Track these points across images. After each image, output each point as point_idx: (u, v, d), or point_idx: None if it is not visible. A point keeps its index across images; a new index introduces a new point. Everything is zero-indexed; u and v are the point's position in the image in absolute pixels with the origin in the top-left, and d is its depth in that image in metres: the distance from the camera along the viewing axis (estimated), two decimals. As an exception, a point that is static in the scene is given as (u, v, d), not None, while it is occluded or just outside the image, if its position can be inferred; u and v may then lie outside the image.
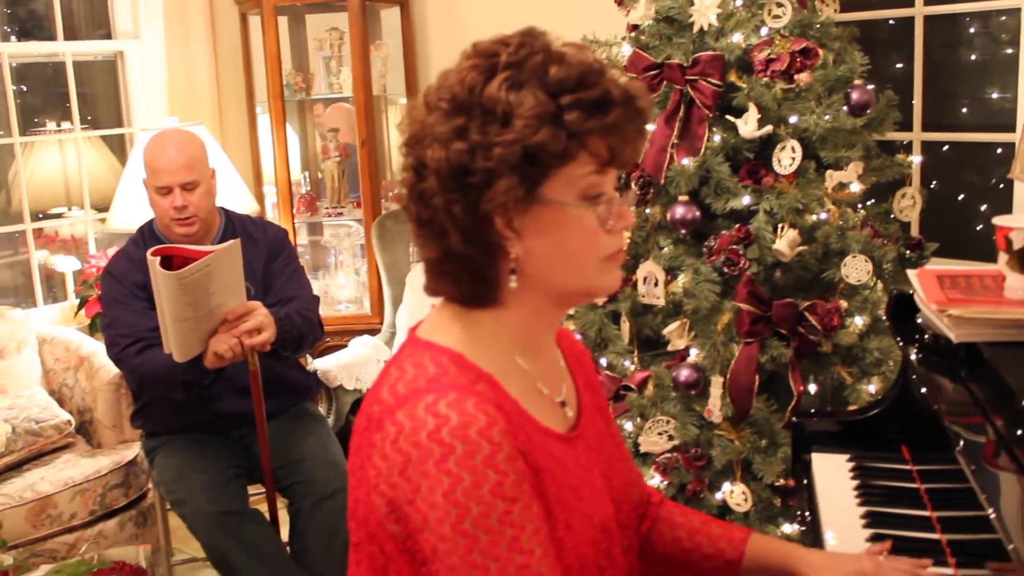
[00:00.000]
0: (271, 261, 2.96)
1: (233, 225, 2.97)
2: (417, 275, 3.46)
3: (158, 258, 2.36)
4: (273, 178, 4.15)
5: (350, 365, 3.48)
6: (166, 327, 2.46)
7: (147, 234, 2.92)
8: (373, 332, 3.78)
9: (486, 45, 1.19)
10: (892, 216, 2.74)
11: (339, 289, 4.21)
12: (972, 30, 3.28)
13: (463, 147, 1.15)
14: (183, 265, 2.37)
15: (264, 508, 2.88)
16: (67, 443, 3.39)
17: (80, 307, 3.87)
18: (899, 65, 3.31)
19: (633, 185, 2.57)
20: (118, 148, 4.49)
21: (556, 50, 1.18)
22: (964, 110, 3.34)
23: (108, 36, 4.34)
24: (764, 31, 2.49)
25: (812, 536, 1.73)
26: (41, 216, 4.30)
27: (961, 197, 3.35)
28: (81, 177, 4.24)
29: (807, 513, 1.83)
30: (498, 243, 1.19)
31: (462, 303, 1.25)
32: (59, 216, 4.42)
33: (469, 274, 1.21)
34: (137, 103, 4.28)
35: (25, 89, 4.30)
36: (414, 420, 1.12)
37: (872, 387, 2.45)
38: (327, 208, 4.23)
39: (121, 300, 2.77)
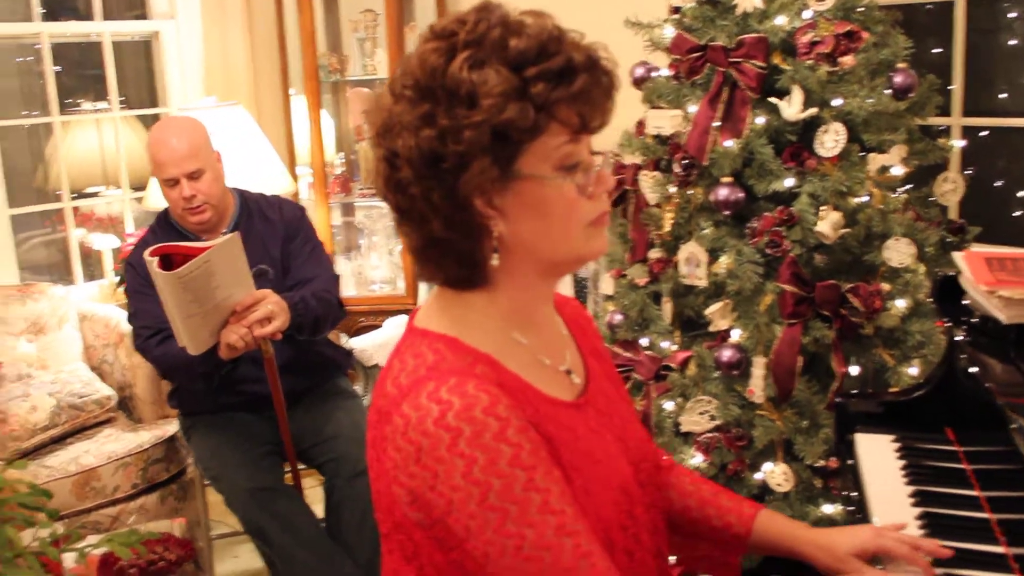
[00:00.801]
0: (288, 241, 2.97)
1: (248, 206, 2.98)
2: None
3: (156, 259, 2.37)
4: (308, 159, 4.18)
5: (385, 344, 3.51)
6: (175, 324, 2.49)
7: (163, 223, 2.95)
8: (407, 312, 3.80)
9: (443, 24, 1.19)
10: (931, 200, 2.74)
11: (372, 270, 4.24)
12: (1013, 15, 3.27)
13: (432, 134, 1.14)
14: (184, 261, 2.38)
15: (307, 484, 2.92)
16: (108, 418, 3.45)
17: (118, 284, 3.91)
18: (938, 50, 3.30)
19: (675, 166, 2.58)
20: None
21: (514, 21, 1.17)
22: (1004, 96, 3.34)
23: (142, 16, 4.37)
24: (808, 14, 2.50)
25: (860, 515, 1.74)
26: (76, 195, 4.34)
27: (1000, 183, 3.35)
28: (118, 156, 4.27)
29: (854, 492, 1.85)
30: (480, 224, 1.19)
31: (452, 287, 1.26)
32: (95, 195, 4.47)
33: (454, 258, 1.22)
34: (173, 83, 4.31)
35: (61, 69, 4.33)
36: (419, 410, 1.13)
37: (914, 370, 2.46)
38: (361, 189, 4.26)
39: (141, 291, 2.79)
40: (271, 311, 2.61)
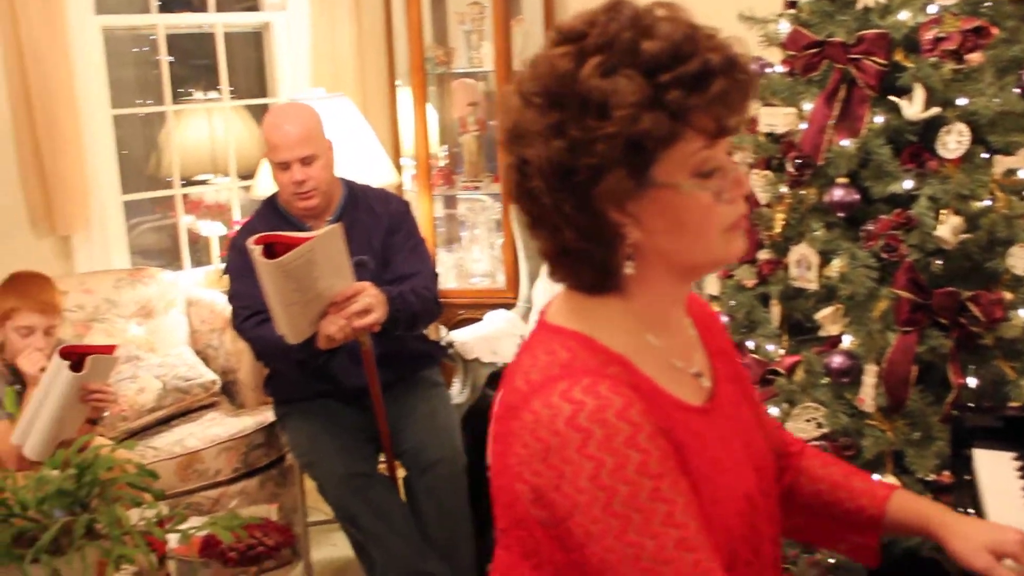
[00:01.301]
0: (391, 235, 2.98)
1: (355, 197, 3.00)
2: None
3: (259, 247, 2.39)
4: (412, 150, 4.20)
5: (487, 338, 3.51)
6: (275, 312, 2.51)
7: (270, 208, 3.00)
8: (507, 306, 3.80)
9: (572, 26, 1.14)
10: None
11: (473, 263, 4.25)
12: None
13: (563, 145, 1.11)
14: (286, 250, 2.40)
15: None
16: (212, 402, 3.53)
17: (225, 271, 3.98)
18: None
19: (788, 165, 2.51)
20: (261, 117, 4.61)
21: (645, 21, 1.11)
22: None
23: (253, 8, 4.45)
24: (933, 8, 2.40)
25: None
26: (186, 182, 4.45)
27: None
28: (227, 145, 4.36)
29: (970, 510, 1.78)
30: (614, 231, 1.16)
31: (585, 291, 1.23)
32: (205, 182, 4.57)
33: (588, 266, 1.20)
34: (282, 73, 4.38)
35: (175, 60, 4.44)
36: (550, 408, 1.11)
37: (1035, 383, 2.35)
38: (464, 181, 4.26)
39: (244, 272, 2.82)
40: (370, 303, 2.62)
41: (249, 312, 2.82)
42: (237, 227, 3.99)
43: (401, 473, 2.97)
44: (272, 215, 2.96)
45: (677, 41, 1.09)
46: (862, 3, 2.43)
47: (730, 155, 1.18)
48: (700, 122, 1.11)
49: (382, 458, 3.00)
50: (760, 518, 1.28)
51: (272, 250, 2.43)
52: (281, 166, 2.85)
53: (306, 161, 2.83)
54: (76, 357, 2.64)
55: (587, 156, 1.10)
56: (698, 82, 1.09)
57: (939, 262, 2.42)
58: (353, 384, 2.92)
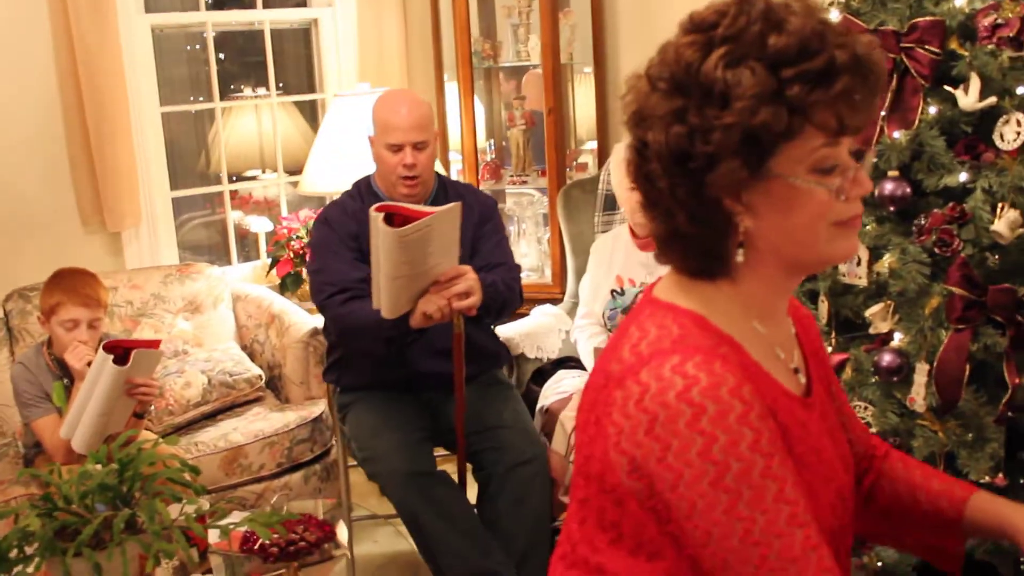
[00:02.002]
0: (481, 225, 2.99)
1: (446, 188, 3.01)
2: (602, 245, 3.41)
3: (381, 214, 2.38)
4: (459, 145, 4.18)
5: (532, 333, 3.47)
6: (379, 283, 2.50)
7: (364, 189, 3.00)
8: (554, 302, 3.76)
9: (703, 16, 1.16)
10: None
11: (521, 257, 4.21)
12: None
13: (682, 131, 1.13)
14: (404, 223, 2.39)
15: (450, 470, 2.92)
16: (257, 396, 3.53)
17: (272, 266, 4.01)
18: None
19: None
20: (309, 113, 4.62)
21: (776, 15, 1.12)
22: None
23: (300, 4, 4.46)
24: (990, -7, 2.32)
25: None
26: (235, 179, 4.48)
27: None
28: (274, 141, 4.38)
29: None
30: (727, 219, 1.17)
31: (691, 275, 1.24)
32: (253, 179, 4.60)
33: (698, 251, 1.21)
34: (329, 69, 4.39)
35: (224, 57, 4.47)
36: (660, 380, 1.12)
37: (1096, 383, 2.26)
38: (511, 176, 4.24)
39: (333, 248, 2.85)
40: (471, 286, 2.62)
41: (336, 288, 2.80)
42: (286, 222, 4.03)
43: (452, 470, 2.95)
44: (368, 195, 2.96)
45: (805, 37, 1.10)
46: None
47: (852, 154, 1.17)
48: (822, 119, 1.12)
49: (438, 452, 2.99)
50: (847, 517, 1.30)
51: (390, 220, 2.42)
52: (393, 148, 2.85)
53: (419, 147, 2.85)
54: (121, 351, 2.66)
55: (704, 144, 1.12)
56: (822, 78, 1.10)
57: (995, 257, 2.34)
58: (424, 371, 2.92)
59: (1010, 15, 2.24)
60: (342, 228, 2.88)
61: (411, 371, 2.92)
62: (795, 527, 1.10)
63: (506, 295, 2.88)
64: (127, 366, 2.64)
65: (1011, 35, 2.23)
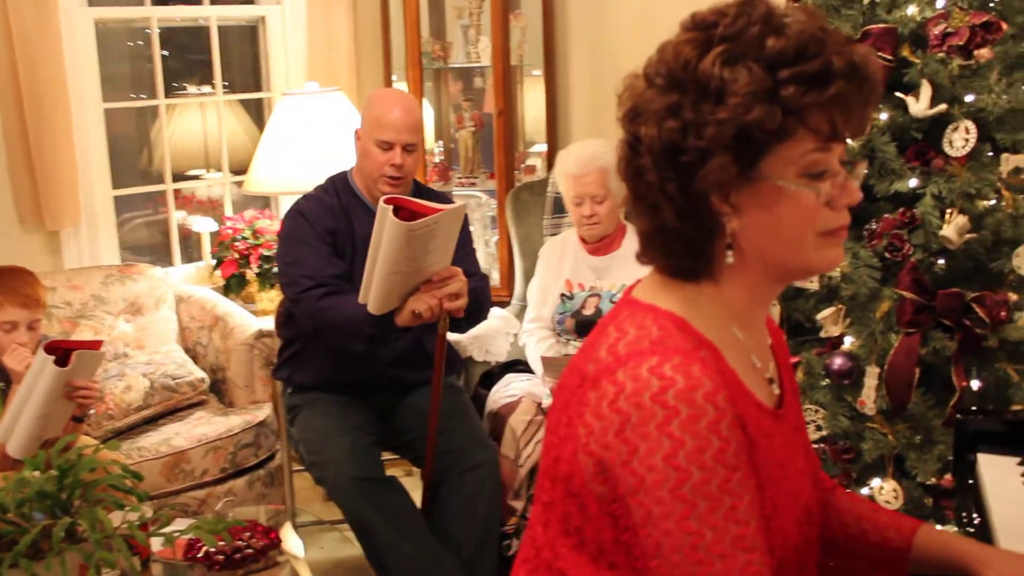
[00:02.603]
0: None
1: (421, 193, 2.98)
2: (551, 248, 3.40)
3: (391, 207, 2.35)
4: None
5: (480, 337, 3.45)
6: (374, 277, 2.46)
7: (340, 185, 2.95)
8: (502, 304, 3.74)
9: (703, 16, 1.17)
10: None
11: (469, 260, 4.19)
12: None
13: (675, 125, 1.13)
14: (410, 217, 2.36)
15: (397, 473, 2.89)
16: (200, 400, 3.46)
17: (216, 268, 3.94)
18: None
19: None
20: (254, 112, 4.55)
21: (776, 19, 1.13)
22: None
23: (246, 1, 4.38)
24: (940, 3, 2.35)
25: (981, 541, 1.62)
26: (177, 178, 4.38)
27: None
28: (219, 140, 4.30)
29: (974, 515, 1.74)
30: (714, 219, 1.17)
31: (675, 276, 1.23)
32: (196, 178, 4.51)
33: (682, 248, 1.20)
34: (277, 68, 4.32)
35: (167, 53, 4.37)
36: (637, 381, 1.10)
37: (1040, 386, 2.30)
38: (460, 178, 4.20)
39: (309, 242, 2.80)
40: (461, 288, 2.61)
41: (313, 283, 2.75)
42: (230, 222, 3.96)
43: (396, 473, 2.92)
44: (346, 192, 2.92)
45: (804, 40, 1.11)
46: (867, -6, 2.38)
47: (843, 164, 1.17)
48: (815, 122, 1.12)
49: (385, 456, 2.96)
50: (813, 532, 1.28)
51: (396, 213, 2.38)
52: (383, 145, 2.80)
53: (408, 148, 2.82)
54: (61, 352, 2.59)
55: (696, 139, 1.12)
56: (817, 81, 1.10)
57: (941, 262, 2.38)
58: (381, 376, 2.90)
59: (959, 24, 2.28)
60: (318, 222, 2.83)
61: (366, 374, 2.89)
62: (740, 550, 1.08)
63: (482, 303, 2.88)
64: (68, 367, 2.56)
65: (960, 44, 2.27)
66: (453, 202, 3.08)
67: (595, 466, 1.14)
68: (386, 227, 2.36)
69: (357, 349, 2.71)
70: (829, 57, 1.10)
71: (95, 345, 2.72)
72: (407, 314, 2.56)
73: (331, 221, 2.84)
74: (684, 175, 1.14)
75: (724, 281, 1.22)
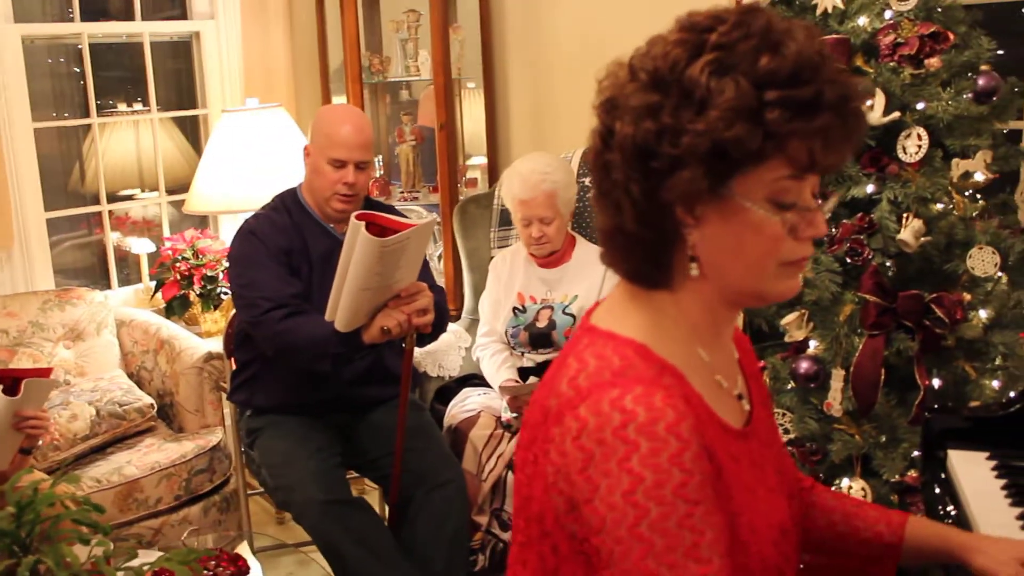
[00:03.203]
0: None
1: (373, 209, 2.94)
2: (500, 262, 3.39)
3: (363, 223, 2.31)
4: (348, 162, 4.09)
5: (433, 352, 3.42)
6: (343, 294, 2.42)
7: (290, 202, 2.89)
8: (452, 319, 3.72)
9: (700, 18, 1.11)
10: (1006, 207, 2.65)
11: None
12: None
13: (651, 128, 1.08)
14: (381, 233, 2.33)
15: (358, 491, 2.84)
16: (149, 427, 3.36)
17: (156, 290, 3.84)
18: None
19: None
20: (188, 130, 4.45)
21: (775, 36, 1.07)
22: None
23: (178, 17, 4.29)
24: (888, 14, 2.41)
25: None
26: (109, 199, 4.25)
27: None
28: (154, 159, 4.20)
29: (950, 508, 1.78)
30: (675, 229, 1.13)
31: (634, 281, 1.20)
32: (130, 198, 4.39)
33: (639, 253, 1.16)
34: (212, 84, 4.24)
35: (93, 72, 4.25)
36: (599, 416, 1.06)
37: (996, 383, 2.37)
38: (402, 192, 4.17)
39: (263, 262, 2.73)
40: (429, 303, 2.59)
41: (272, 304, 2.67)
42: (169, 243, 3.87)
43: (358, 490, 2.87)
44: (297, 210, 2.85)
45: (799, 64, 1.06)
46: (821, 8, 2.43)
47: (816, 196, 1.15)
48: (794, 150, 1.08)
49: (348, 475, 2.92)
50: (790, 548, 1.25)
51: (368, 228, 2.34)
52: (336, 163, 2.75)
53: (361, 166, 2.78)
54: (9, 381, 2.49)
55: (671, 146, 1.07)
56: (805, 110, 1.06)
57: (893, 267, 2.43)
58: (342, 395, 2.85)
59: (909, 34, 2.34)
60: (272, 242, 2.77)
61: (327, 394, 2.84)
62: None
63: (445, 317, 2.86)
64: (18, 397, 2.47)
65: (911, 53, 2.33)
66: (403, 216, 3.05)
67: (565, 503, 1.10)
68: (358, 243, 2.33)
69: (322, 369, 2.66)
70: (822, 86, 1.06)
71: (44, 373, 2.62)
72: (376, 331, 2.53)
73: (284, 240, 2.78)
74: (652, 180, 1.10)
75: (682, 294, 1.18)
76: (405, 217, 2.94)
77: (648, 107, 1.09)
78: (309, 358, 2.65)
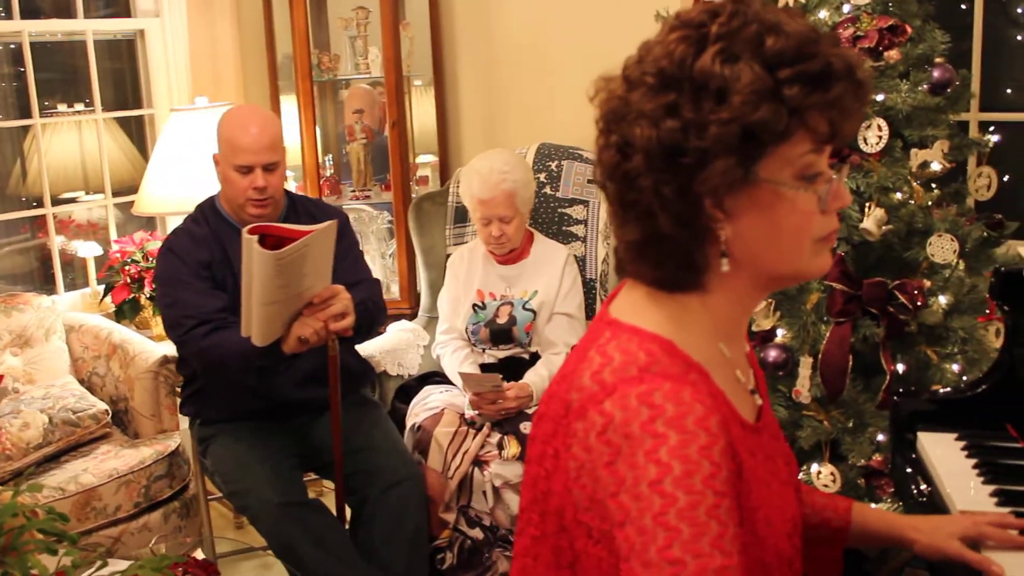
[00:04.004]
0: (336, 243, 2.88)
1: (296, 206, 2.89)
2: (458, 259, 3.38)
3: (255, 237, 2.23)
4: (298, 160, 4.04)
5: (392, 351, 3.40)
6: (250, 310, 2.34)
7: (209, 212, 2.82)
8: (406, 317, 3.71)
9: (692, 15, 1.12)
10: (959, 195, 2.73)
11: (367, 275, 4.12)
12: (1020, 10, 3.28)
13: (675, 125, 1.08)
14: (277, 244, 2.26)
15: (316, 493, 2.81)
16: (104, 433, 3.28)
17: (105, 294, 3.75)
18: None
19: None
20: (135, 130, 4.36)
21: (771, 18, 1.10)
22: (1008, 92, 3.35)
23: (119, 15, 4.19)
24: (847, 8, 2.46)
25: (933, 510, 1.73)
26: (52, 202, 4.15)
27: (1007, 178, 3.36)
28: (98, 160, 4.10)
29: (923, 487, 1.83)
30: (707, 225, 1.12)
31: (661, 287, 1.18)
32: (72, 200, 4.28)
33: (675, 258, 1.15)
34: (158, 83, 4.15)
35: (23, 70, 4.13)
36: (626, 411, 1.06)
37: (956, 366, 2.44)
38: (353, 191, 4.14)
39: (184, 280, 2.67)
40: (346, 306, 2.50)
41: (195, 322, 2.61)
42: (117, 246, 3.78)
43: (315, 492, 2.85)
44: (214, 219, 2.79)
45: (801, 40, 1.09)
46: (782, 2, 2.47)
47: (832, 165, 1.16)
48: (814, 123, 1.09)
49: (306, 477, 2.88)
50: (799, 540, 1.27)
51: (262, 242, 2.25)
52: (242, 170, 2.68)
53: (269, 168, 2.70)
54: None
55: (699, 139, 1.07)
56: (819, 81, 1.08)
57: (861, 253, 2.49)
58: (291, 399, 2.80)
59: (868, 27, 2.39)
60: (191, 257, 2.70)
61: (275, 400, 2.80)
62: None
63: (375, 312, 2.79)
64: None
65: (870, 46, 2.38)
66: (334, 208, 3.00)
67: (587, 500, 1.10)
68: (254, 258, 2.25)
69: (250, 383, 2.63)
70: (828, 58, 1.08)
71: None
72: (293, 341, 2.46)
73: (204, 253, 2.72)
74: (683, 177, 1.09)
75: (713, 292, 1.17)
76: (329, 208, 2.91)
77: (665, 107, 1.09)
78: (235, 372, 2.61)
